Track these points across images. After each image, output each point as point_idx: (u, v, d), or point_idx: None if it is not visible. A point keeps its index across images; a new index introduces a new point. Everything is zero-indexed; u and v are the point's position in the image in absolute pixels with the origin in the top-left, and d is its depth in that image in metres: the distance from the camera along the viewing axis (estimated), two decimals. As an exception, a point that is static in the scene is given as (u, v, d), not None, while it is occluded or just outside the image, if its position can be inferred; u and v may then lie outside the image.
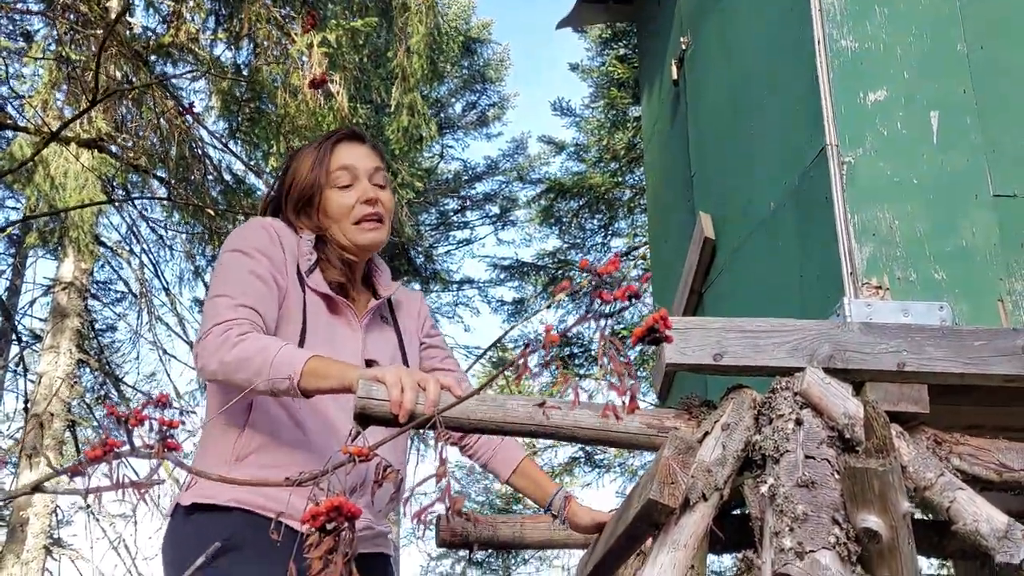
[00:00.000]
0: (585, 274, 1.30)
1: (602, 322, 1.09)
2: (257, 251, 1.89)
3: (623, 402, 1.14)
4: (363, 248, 2.00)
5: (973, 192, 1.95)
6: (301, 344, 1.88)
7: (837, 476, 1.62)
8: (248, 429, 1.84)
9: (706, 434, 1.79)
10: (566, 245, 11.24)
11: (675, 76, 2.99)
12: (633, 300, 1.08)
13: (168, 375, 9.39)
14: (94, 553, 8.91)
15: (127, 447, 1.32)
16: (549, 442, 10.36)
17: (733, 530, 2.65)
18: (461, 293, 13.74)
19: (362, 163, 2.01)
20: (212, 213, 5.30)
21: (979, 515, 1.55)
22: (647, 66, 3.63)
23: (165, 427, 1.30)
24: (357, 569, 1.85)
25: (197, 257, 8.77)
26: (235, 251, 1.90)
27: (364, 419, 1.73)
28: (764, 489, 1.66)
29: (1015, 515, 3.00)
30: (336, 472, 1.30)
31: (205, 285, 8.65)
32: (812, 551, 1.53)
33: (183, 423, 1.36)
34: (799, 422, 1.70)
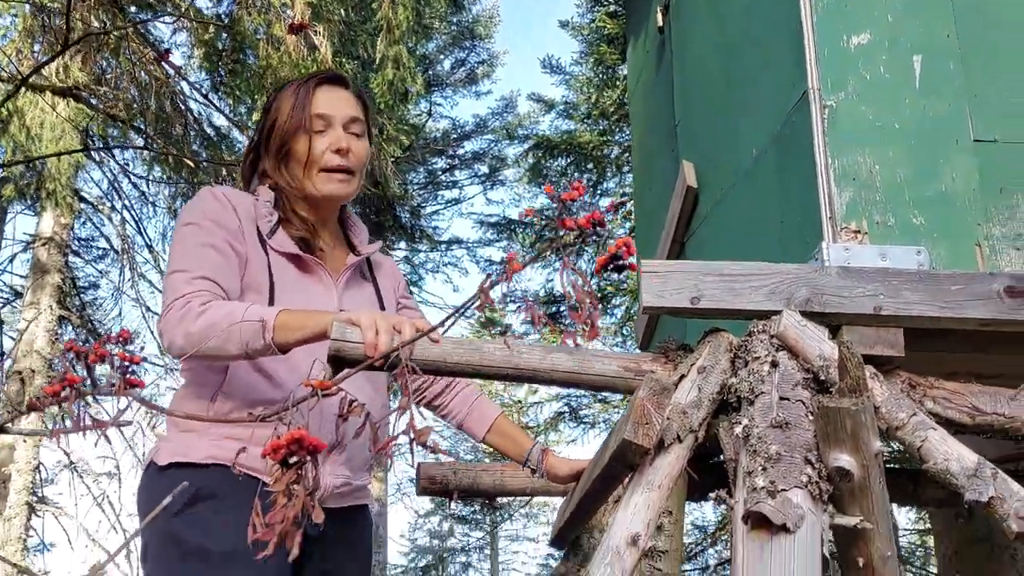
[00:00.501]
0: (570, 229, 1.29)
1: (566, 252, 1.08)
2: (210, 221, 1.85)
3: (583, 328, 1.14)
4: (326, 198, 1.96)
5: (954, 137, 1.94)
6: (271, 299, 1.85)
7: (811, 417, 1.62)
8: (222, 395, 1.83)
9: (682, 377, 1.79)
10: (555, 204, 11.19)
11: (660, 23, 2.95)
12: (598, 228, 1.07)
13: (152, 332, 9.31)
14: (78, 510, 8.92)
15: (88, 384, 1.30)
16: (534, 398, 10.40)
17: (715, 477, 2.67)
18: (450, 253, 13.69)
19: (339, 110, 1.96)
20: (192, 164, 5.25)
21: (950, 454, 1.55)
22: (633, 15, 3.59)
23: (127, 363, 1.29)
24: (337, 520, 1.87)
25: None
26: (187, 225, 1.86)
27: (338, 362, 1.71)
28: (738, 430, 1.66)
29: (993, 462, 3.03)
30: (303, 416, 1.29)
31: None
32: (784, 490, 1.54)
33: (145, 359, 1.34)
34: (775, 364, 1.70)
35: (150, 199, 9.01)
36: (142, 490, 1.86)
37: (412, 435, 1.16)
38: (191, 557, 1.72)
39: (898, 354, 1.78)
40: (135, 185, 8.93)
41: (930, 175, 1.91)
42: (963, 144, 1.93)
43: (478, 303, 1.14)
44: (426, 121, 13.60)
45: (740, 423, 1.67)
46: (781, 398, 1.65)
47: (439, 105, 14.16)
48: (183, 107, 6.39)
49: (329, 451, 1.81)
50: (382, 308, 2.05)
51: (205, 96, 6.03)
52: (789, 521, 1.50)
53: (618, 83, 9.52)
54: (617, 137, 9.86)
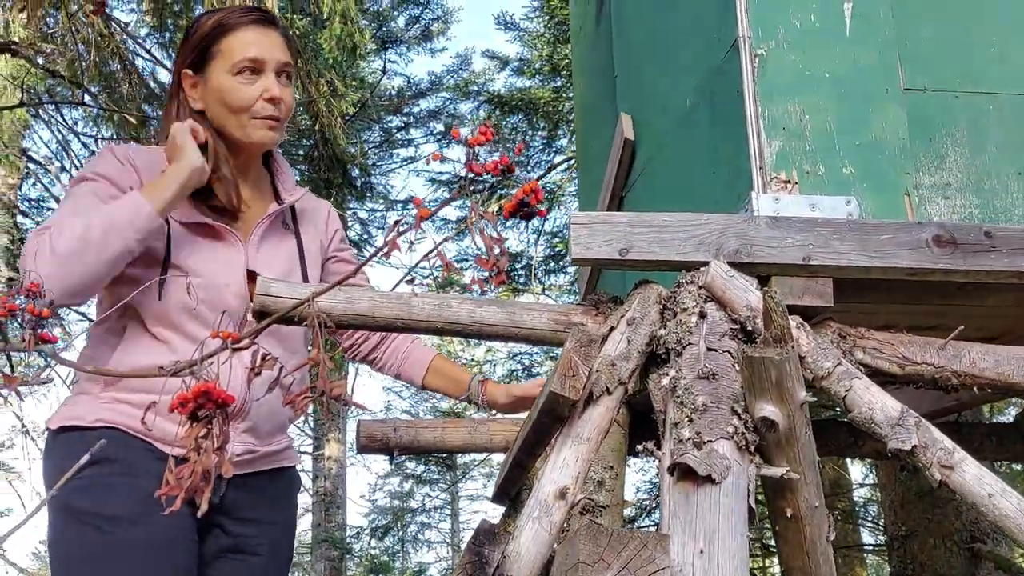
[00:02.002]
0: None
1: (477, 197, 1.06)
2: (104, 180, 1.80)
3: (490, 274, 1.12)
4: (256, 145, 1.91)
5: (884, 86, 1.92)
6: (164, 267, 1.79)
7: (738, 368, 1.62)
8: (117, 354, 1.79)
9: (612, 329, 1.78)
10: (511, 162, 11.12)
11: (599, -26, 2.91)
12: (506, 174, 1.04)
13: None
14: (32, 474, 8.86)
15: (-1, 339, 1.26)
16: (490, 357, 10.42)
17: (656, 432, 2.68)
18: (405, 211, 13.57)
19: (272, 55, 1.89)
20: (135, 121, 5.13)
21: (874, 403, 1.56)
22: (574, -35, 3.54)
23: (35, 317, 1.24)
24: (244, 488, 1.83)
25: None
26: (78, 182, 1.80)
27: (263, 317, 1.68)
28: (666, 381, 1.66)
29: (932, 413, 3.06)
30: (214, 371, 1.25)
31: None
32: (710, 441, 1.53)
33: (58, 315, 1.30)
34: (703, 315, 1.69)
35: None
36: (43, 461, 1.85)
37: (325, 389, 1.14)
38: (82, 522, 1.71)
39: (827, 304, 1.78)
40: (85, 145, 8.73)
41: (860, 124, 1.90)
42: (893, 93, 1.92)
43: (386, 251, 1.11)
44: (380, 78, 13.41)
45: (668, 374, 1.66)
46: (708, 349, 1.65)
47: (393, 62, 13.98)
48: (130, 64, 6.24)
49: (231, 417, 1.79)
50: (303, 264, 1.99)
51: (149, 51, 5.89)
52: (714, 472, 1.50)
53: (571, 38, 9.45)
54: (570, 93, 9.81)
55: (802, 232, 1.77)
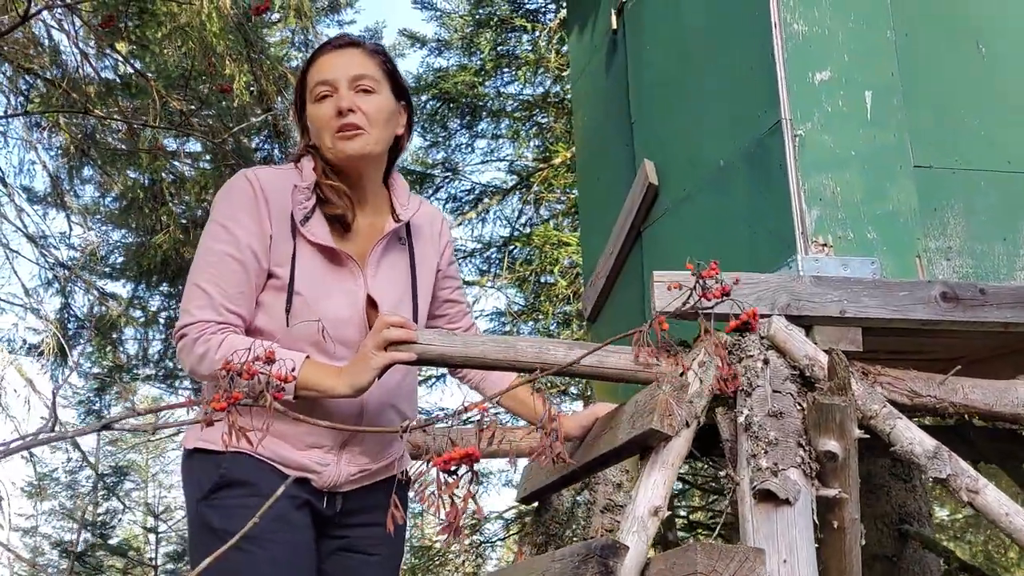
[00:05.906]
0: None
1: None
2: (237, 224, 1.92)
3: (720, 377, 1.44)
4: (348, 159, 2.00)
5: (898, 163, 2.31)
6: (289, 300, 1.94)
7: (798, 407, 1.98)
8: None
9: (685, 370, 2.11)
10: (427, 143, 11.25)
11: (615, 26, 3.20)
12: (726, 297, 1.36)
13: (15, 271, 8.99)
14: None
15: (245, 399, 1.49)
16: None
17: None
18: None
19: (341, 72, 1.99)
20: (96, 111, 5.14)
21: (913, 439, 1.94)
22: (577, 6, 3.82)
23: (278, 381, 1.48)
24: (351, 499, 2.08)
25: (39, 148, 8.32)
26: (216, 224, 1.94)
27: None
28: (740, 419, 2.00)
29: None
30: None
31: (50, 175, 8.26)
32: (784, 469, 1.89)
33: (295, 377, 1.52)
34: (766, 361, 2.04)
35: (1, 129, 8.56)
36: (182, 473, 2.03)
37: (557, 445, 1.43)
38: (220, 539, 1.83)
39: (857, 349, 2.15)
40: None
41: (880, 196, 2.28)
42: (905, 169, 2.31)
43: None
44: (286, 53, 13.26)
45: (742, 412, 2.01)
46: (774, 391, 2.00)
47: (299, 34, 13.79)
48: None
49: (344, 445, 2.01)
50: (414, 286, 2.13)
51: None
52: (791, 495, 1.85)
53: (492, 25, 9.64)
54: (494, 82, 10.03)
55: (838, 289, 2.14)
